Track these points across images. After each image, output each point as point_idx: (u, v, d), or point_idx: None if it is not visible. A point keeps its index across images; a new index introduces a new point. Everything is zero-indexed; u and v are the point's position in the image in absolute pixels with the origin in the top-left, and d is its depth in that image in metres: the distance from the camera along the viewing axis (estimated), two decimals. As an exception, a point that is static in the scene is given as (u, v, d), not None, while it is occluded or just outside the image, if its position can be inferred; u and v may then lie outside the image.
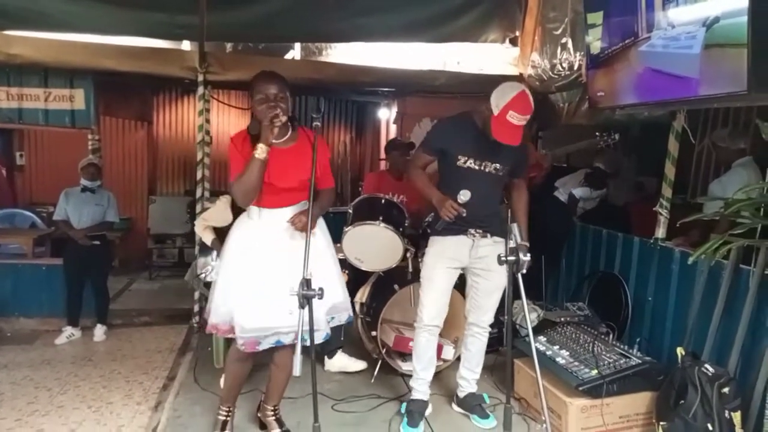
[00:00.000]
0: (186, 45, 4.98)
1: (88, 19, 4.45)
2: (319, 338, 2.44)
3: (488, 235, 2.80)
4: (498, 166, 2.76)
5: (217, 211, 3.38)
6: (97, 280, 4.55)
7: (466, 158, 2.72)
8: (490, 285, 2.85)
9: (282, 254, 2.39)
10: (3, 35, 4.27)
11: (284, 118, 2.31)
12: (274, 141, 2.36)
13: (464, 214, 2.59)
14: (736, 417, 2.48)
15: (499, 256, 2.22)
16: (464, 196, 2.58)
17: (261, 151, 2.27)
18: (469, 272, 2.89)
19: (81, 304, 4.49)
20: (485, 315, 2.92)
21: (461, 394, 3.06)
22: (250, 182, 2.29)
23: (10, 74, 4.53)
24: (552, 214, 4.63)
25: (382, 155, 4.90)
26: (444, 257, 2.80)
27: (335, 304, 2.53)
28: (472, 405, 3.00)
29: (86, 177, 4.47)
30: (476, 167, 2.73)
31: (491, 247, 2.80)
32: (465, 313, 2.99)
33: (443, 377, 3.43)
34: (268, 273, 2.37)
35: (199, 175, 4.58)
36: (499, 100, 2.53)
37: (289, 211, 2.45)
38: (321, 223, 2.58)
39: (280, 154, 2.39)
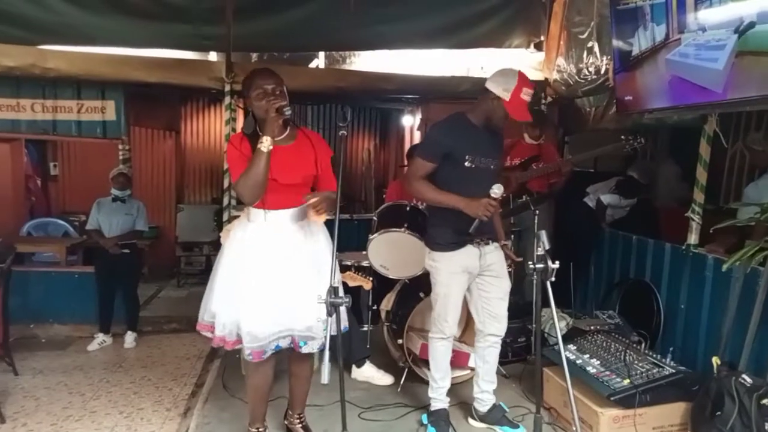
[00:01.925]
0: (213, 56, 5.07)
1: (119, 33, 4.58)
2: (314, 347, 2.41)
3: (489, 242, 2.79)
4: (494, 162, 2.77)
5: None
6: (127, 288, 4.64)
7: (472, 157, 2.69)
8: (501, 291, 2.83)
9: (288, 259, 2.38)
10: (39, 50, 4.41)
11: (289, 110, 2.26)
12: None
13: (501, 210, 2.55)
14: (776, 429, 2.40)
15: (527, 265, 2.20)
16: (498, 189, 2.48)
17: (267, 143, 2.21)
18: (477, 282, 2.83)
19: (112, 311, 4.58)
20: (502, 323, 2.86)
21: (484, 409, 2.98)
22: (257, 176, 2.23)
23: (45, 87, 4.68)
24: (579, 220, 4.57)
25: (406, 162, 4.91)
26: (458, 273, 2.75)
27: None
28: (499, 417, 2.94)
29: (116, 186, 4.58)
30: (481, 166, 2.71)
31: (495, 253, 2.81)
32: (479, 326, 2.90)
33: (469, 385, 3.37)
34: (274, 279, 2.35)
35: (225, 184, 4.65)
36: (507, 84, 2.61)
37: (291, 214, 2.42)
38: (325, 231, 2.53)
39: (280, 151, 2.34)
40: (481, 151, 2.71)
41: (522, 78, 2.62)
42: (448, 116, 2.83)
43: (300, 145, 2.44)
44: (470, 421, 3.04)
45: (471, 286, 2.86)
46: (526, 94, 2.61)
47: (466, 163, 2.69)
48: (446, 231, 2.73)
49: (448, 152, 2.70)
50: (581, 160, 4.70)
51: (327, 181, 2.46)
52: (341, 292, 2.21)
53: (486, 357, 2.93)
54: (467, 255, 2.74)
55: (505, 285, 2.84)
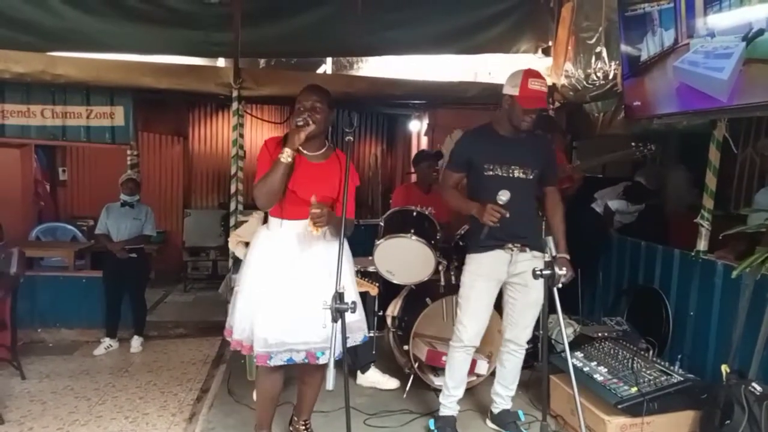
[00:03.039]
0: (221, 62, 5.11)
1: (128, 39, 4.62)
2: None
3: (527, 249, 2.74)
4: (525, 170, 2.73)
5: (250, 227, 3.42)
6: (134, 293, 4.66)
7: (493, 165, 2.70)
8: (528, 301, 2.79)
9: (302, 268, 2.39)
10: (49, 56, 4.46)
11: (312, 127, 2.29)
12: (306, 152, 2.39)
13: (507, 215, 2.50)
14: (787, 439, 2.36)
15: (534, 270, 2.19)
16: (504, 195, 2.48)
17: (286, 155, 2.26)
18: (506, 287, 2.83)
19: (119, 315, 4.60)
20: (523, 332, 2.85)
21: (495, 411, 3.00)
22: (273, 184, 2.28)
23: (54, 93, 4.73)
24: (587, 226, 4.54)
25: (412, 168, 4.90)
26: (482, 275, 2.75)
27: (349, 323, 2.33)
28: (507, 422, 2.94)
29: (125, 192, 4.61)
30: (503, 174, 2.71)
31: (530, 262, 2.72)
32: (501, 330, 2.92)
33: (476, 392, 3.38)
34: (288, 287, 2.37)
35: (232, 189, 4.67)
36: (514, 81, 2.67)
37: (307, 224, 2.39)
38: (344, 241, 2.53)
39: (309, 167, 2.39)
40: (505, 160, 2.71)
41: (528, 72, 2.67)
42: (476, 126, 2.88)
43: (329, 166, 2.47)
44: (486, 421, 3.08)
45: (502, 290, 2.85)
46: (535, 84, 2.63)
47: (488, 172, 2.71)
48: (477, 235, 2.73)
49: (468, 161, 2.77)
50: (592, 166, 4.67)
51: (346, 207, 2.39)
52: (356, 298, 2.26)
53: (504, 362, 2.94)
54: (495, 259, 2.74)
55: (533, 294, 2.75)
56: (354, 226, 2.50)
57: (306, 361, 2.42)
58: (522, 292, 2.78)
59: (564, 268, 2.25)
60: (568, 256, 2.70)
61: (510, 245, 2.71)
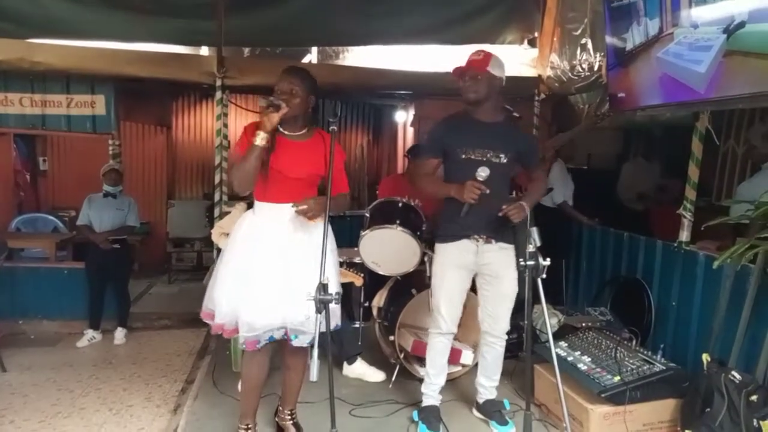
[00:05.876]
0: (204, 50, 5.04)
1: (110, 27, 4.53)
2: (305, 342, 2.42)
3: (492, 241, 2.75)
4: (501, 155, 2.72)
5: (233, 219, 3.39)
6: (118, 284, 4.60)
7: (466, 149, 2.71)
8: (501, 292, 2.80)
9: (289, 251, 2.40)
10: (27, 44, 4.36)
11: (286, 109, 2.29)
12: (286, 132, 2.43)
13: (488, 191, 2.52)
14: (766, 426, 2.40)
15: (518, 262, 2.20)
16: (483, 172, 2.51)
17: (259, 138, 2.26)
18: (478, 279, 2.84)
19: (102, 307, 4.55)
20: (498, 324, 2.85)
21: (480, 400, 3.02)
22: (246, 168, 2.29)
23: (33, 82, 4.63)
24: (547, 220, 4.60)
25: (400, 158, 4.88)
26: (450, 265, 2.77)
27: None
28: (492, 411, 2.96)
29: (108, 182, 4.54)
30: (479, 158, 2.70)
31: (497, 253, 2.76)
32: (479, 323, 2.92)
33: (461, 382, 3.40)
34: (274, 270, 2.37)
35: (217, 179, 4.62)
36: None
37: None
38: (328, 226, 2.52)
39: (294, 146, 2.42)
40: (481, 144, 2.71)
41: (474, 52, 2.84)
42: (451, 114, 2.89)
43: (313, 144, 2.49)
44: (472, 410, 3.10)
45: (476, 283, 2.87)
46: (473, 55, 2.82)
47: (463, 156, 2.72)
48: (445, 224, 2.79)
49: (444, 148, 2.78)
50: (559, 142, 4.73)
51: (337, 182, 2.44)
52: (337, 289, 2.24)
53: (484, 354, 2.95)
54: (462, 249, 2.75)
55: (505, 286, 2.79)
56: (350, 199, 2.52)
57: (284, 337, 2.43)
58: (494, 284, 2.79)
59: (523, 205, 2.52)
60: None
61: (476, 236, 2.73)
